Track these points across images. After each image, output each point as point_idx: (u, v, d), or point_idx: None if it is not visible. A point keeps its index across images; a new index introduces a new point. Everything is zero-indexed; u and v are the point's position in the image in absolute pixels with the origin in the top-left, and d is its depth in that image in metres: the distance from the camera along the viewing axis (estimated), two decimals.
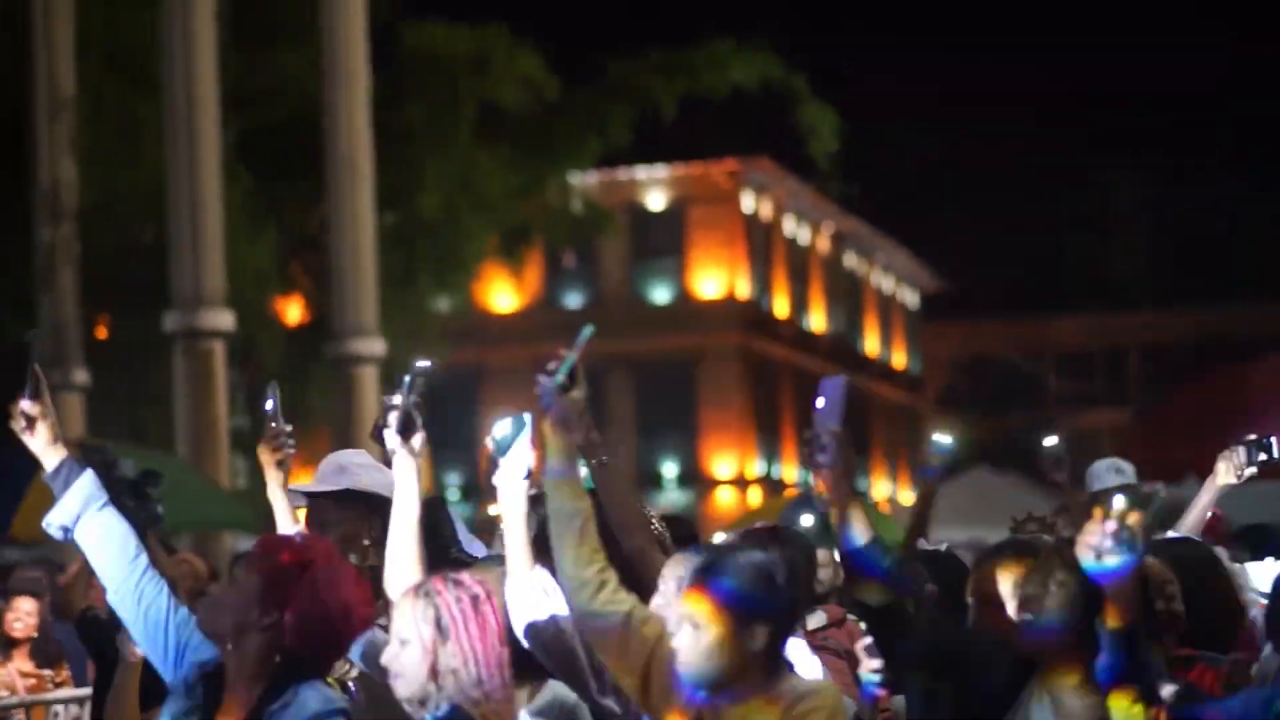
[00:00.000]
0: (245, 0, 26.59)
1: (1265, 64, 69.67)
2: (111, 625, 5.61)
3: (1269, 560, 7.28)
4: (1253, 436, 7.79)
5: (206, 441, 22.95)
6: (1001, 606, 5.30)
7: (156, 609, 5.03)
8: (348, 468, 5.99)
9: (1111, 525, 4.23)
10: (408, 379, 5.20)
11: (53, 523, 5.16)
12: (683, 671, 4.60)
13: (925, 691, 5.15)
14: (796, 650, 5.50)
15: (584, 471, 5.09)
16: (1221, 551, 6.79)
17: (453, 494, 39.81)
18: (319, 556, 4.63)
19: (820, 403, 5.09)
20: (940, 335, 62.81)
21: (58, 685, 10.94)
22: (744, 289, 47.25)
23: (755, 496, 44.39)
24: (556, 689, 5.16)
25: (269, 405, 6.16)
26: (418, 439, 5.17)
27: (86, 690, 10.34)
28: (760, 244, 48.44)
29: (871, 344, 57.87)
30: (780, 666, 4.61)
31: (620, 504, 5.45)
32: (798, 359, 49.51)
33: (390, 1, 28.26)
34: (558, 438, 4.85)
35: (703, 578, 4.62)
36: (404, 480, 5.21)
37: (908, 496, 54.99)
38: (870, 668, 4.78)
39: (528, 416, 5.14)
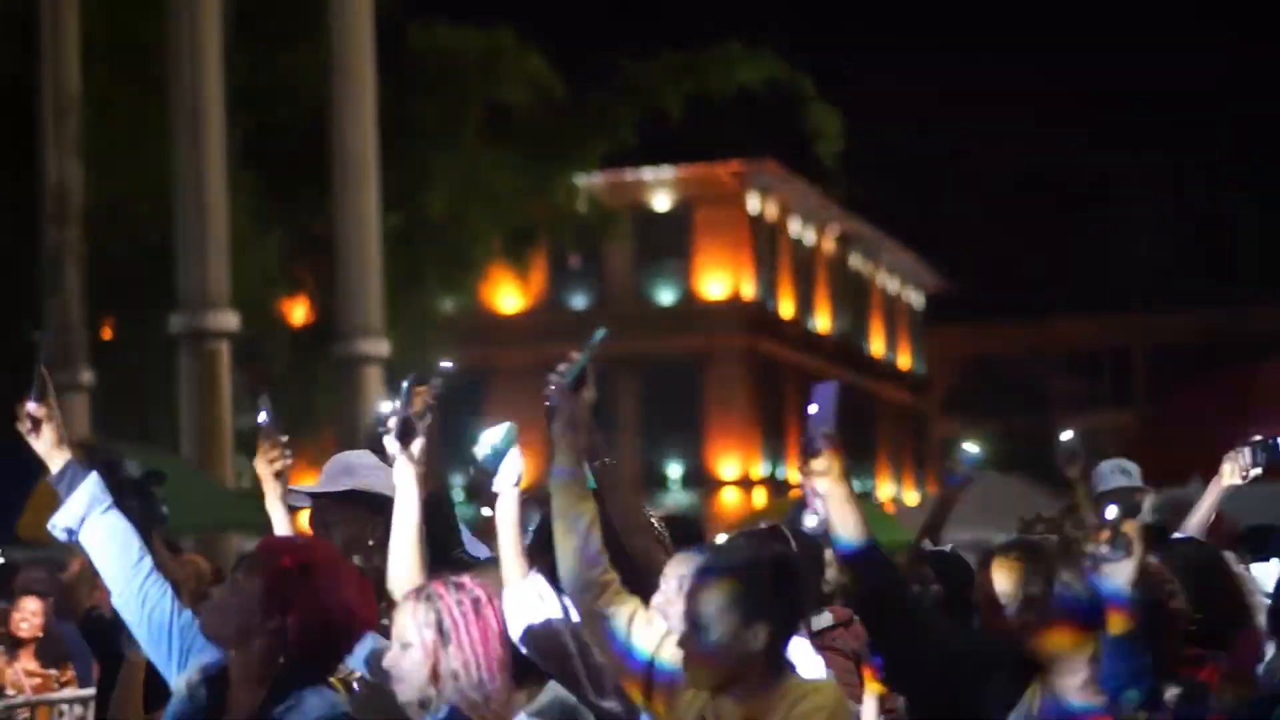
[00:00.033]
0: (251, 1, 26.59)
1: (1266, 64, 69.69)
2: (115, 625, 5.62)
3: (1274, 561, 7.26)
4: (1258, 437, 7.80)
5: (211, 442, 22.96)
6: (1006, 607, 5.29)
7: (160, 612, 5.03)
8: (352, 468, 5.99)
9: (1107, 535, 4.24)
10: (406, 385, 5.20)
11: (57, 525, 5.16)
12: (686, 671, 4.61)
13: (928, 691, 5.14)
14: (800, 651, 5.50)
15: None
16: (1230, 555, 6.77)
17: (457, 494, 39.72)
18: (320, 559, 4.62)
19: (813, 409, 5.09)
20: (945, 336, 62.80)
21: (63, 685, 10.95)
22: (749, 290, 47.25)
23: (760, 497, 44.40)
24: (556, 690, 5.16)
25: (263, 416, 6.13)
26: (417, 445, 5.17)
27: (91, 690, 10.35)
28: (765, 245, 48.44)
29: (877, 345, 57.87)
30: (782, 666, 4.61)
31: (623, 505, 5.46)
32: (803, 360, 49.49)
33: (397, 2, 28.26)
34: (565, 439, 4.84)
35: (705, 577, 4.63)
36: (403, 486, 5.21)
37: (912, 497, 54.98)
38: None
39: (514, 424, 5.16)
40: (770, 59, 31.45)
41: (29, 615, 10.88)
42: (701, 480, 46.20)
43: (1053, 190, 66.29)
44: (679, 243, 47.08)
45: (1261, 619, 6.32)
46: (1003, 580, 5.19)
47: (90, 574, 5.54)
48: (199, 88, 23.23)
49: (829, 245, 53.13)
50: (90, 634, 9.07)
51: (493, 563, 5.63)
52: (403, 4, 28.79)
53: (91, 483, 5.15)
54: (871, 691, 7.07)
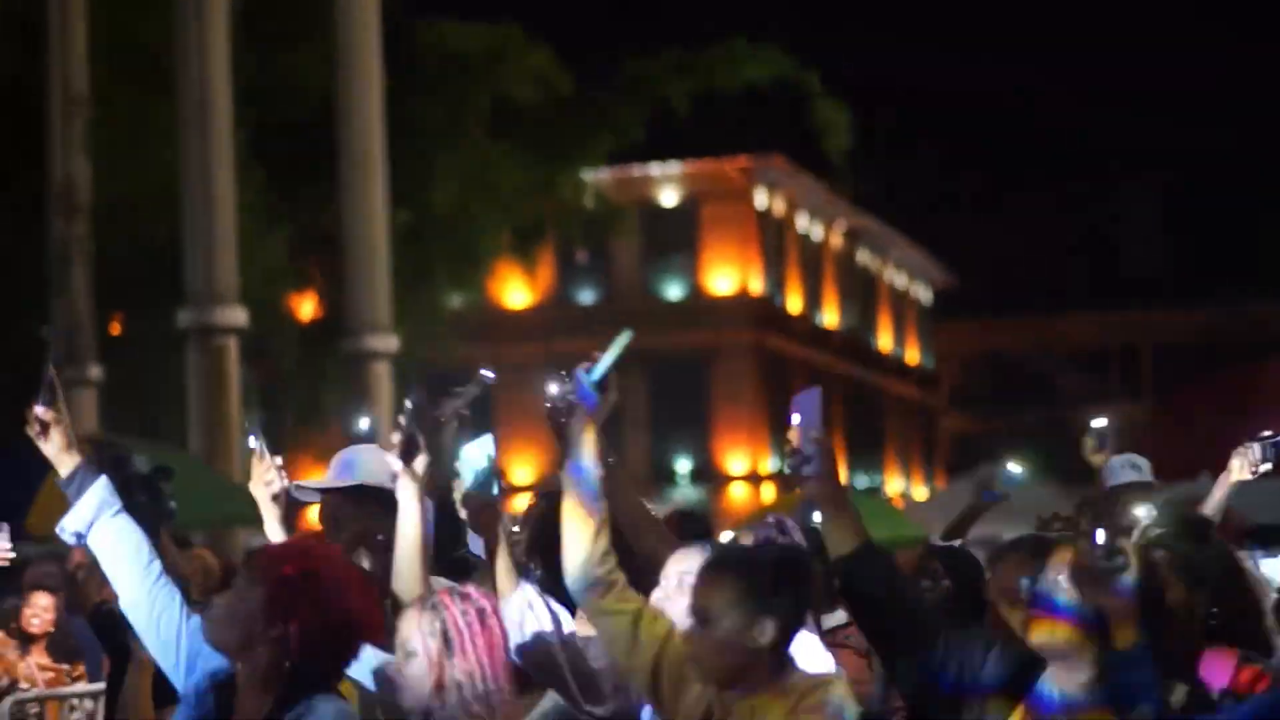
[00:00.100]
0: None
1: (1266, 63, 69.67)
2: (125, 620, 5.62)
3: None
4: (1268, 433, 7.80)
5: (219, 437, 22.98)
6: (1019, 603, 5.28)
7: (168, 617, 5.04)
8: (360, 464, 5.98)
9: (1104, 549, 4.25)
10: (411, 403, 5.20)
11: (67, 529, 5.17)
12: (692, 666, 4.62)
13: (930, 694, 5.13)
14: (809, 647, 5.50)
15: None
16: (1244, 554, 6.76)
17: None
18: (322, 566, 4.60)
19: (796, 419, 5.07)
20: (953, 331, 62.76)
21: (75, 680, 10.96)
22: (757, 285, 47.24)
23: (768, 492, 44.38)
24: (556, 697, 5.19)
25: (253, 441, 6.13)
26: (420, 462, 5.17)
27: (101, 685, 10.35)
28: (773, 241, 48.42)
29: (885, 340, 57.85)
30: (788, 661, 4.62)
31: (630, 504, 5.46)
32: (811, 355, 49.47)
33: None
34: (583, 436, 4.84)
35: (712, 572, 4.64)
36: (406, 502, 5.21)
37: (920, 492, 54.96)
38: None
39: (491, 436, 5.17)
40: (777, 55, 31.45)
41: (40, 611, 10.89)
42: (710, 475, 46.19)
43: (1063, 185, 66.24)
44: (686, 238, 47.06)
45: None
46: (1013, 576, 5.19)
47: (97, 567, 5.55)
48: (206, 85, 23.24)
49: (837, 241, 53.12)
50: (100, 628, 9.06)
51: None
52: (409, 1, 28.79)
53: (100, 486, 5.15)
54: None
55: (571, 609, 5.44)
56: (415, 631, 4.71)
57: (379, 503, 5.77)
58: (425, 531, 5.26)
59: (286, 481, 6.02)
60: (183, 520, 9.11)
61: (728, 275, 46.98)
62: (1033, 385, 63.23)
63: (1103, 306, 63.31)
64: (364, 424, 5.99)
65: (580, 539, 4.81)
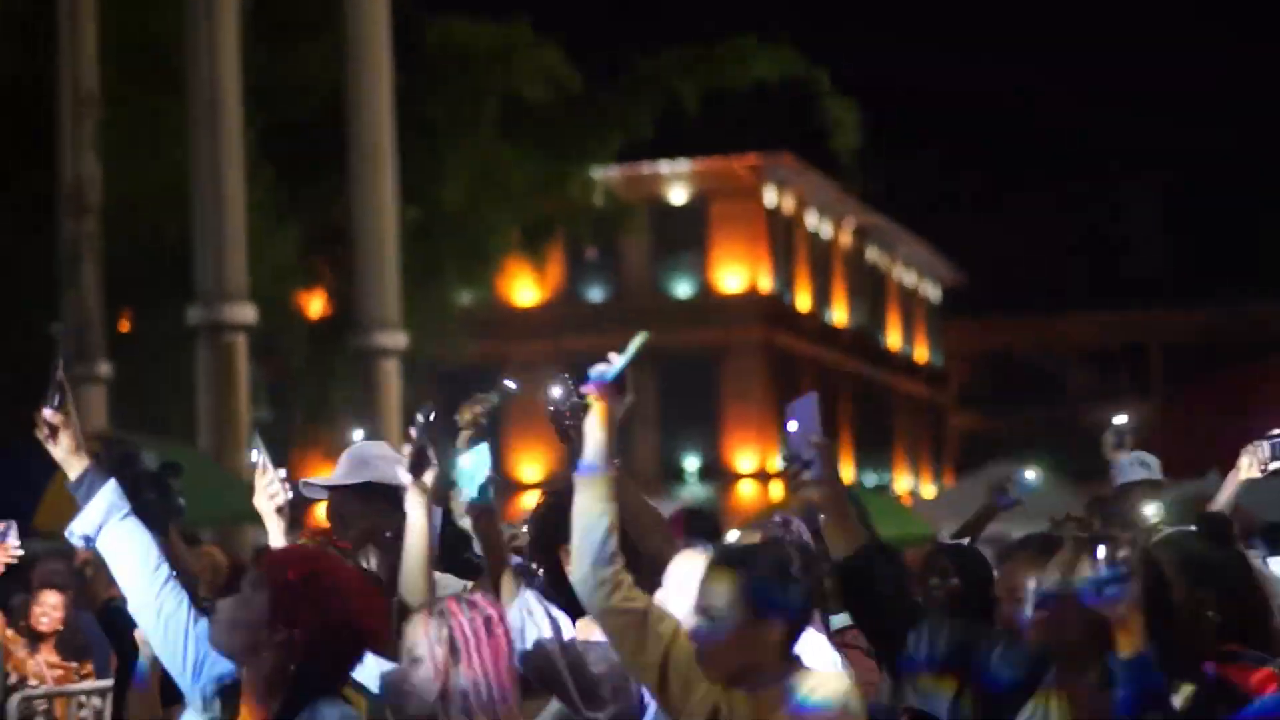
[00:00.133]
0: None
1: (1268, 62, 69.68)
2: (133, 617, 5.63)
3: None
4: (1277, 431, 7.79)
5: (229, 434, 22.99)
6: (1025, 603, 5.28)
7: (176, 622, 5.04)
8: (369, 461, 5.99)
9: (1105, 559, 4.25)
10: (422, 418, 5.19)
11: (75, 532, 5.17)
12: (699, 664, 4.62)
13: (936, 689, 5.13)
14: (817, 647, 5.50)
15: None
16: (1253, 552, 6.75)
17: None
18: (325, 571, 4.59)
19: (793, 425, 5.05)
20: (962, 330, 62.76)
21: (83, 679, 10.97)
22: (766, 283, 47.23)
23: (777, 490, 44.37)
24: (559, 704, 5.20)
25: (255, 456, 6.14)
26: (429, 476, 5.17)
27: (109, 681, 10.37)
28: (782, 238, 48.42)
29: (893, 338, 57.84)
30: (795, 659, 4.63)
31: (634, 505, 5.46)
32: (820, 353, 49.47)
33: None
34: (597, 435, 4.84)
35: (719, 570, 4.64)
36: (414, 513, 5.21)
37: (929, 490, 54.96)
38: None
39: (485, 446, 5.17)
40: (787, 53, 31.43)
41: (49, 609, 10.89)
42: (718, 473, 46.20)
43: (1070, 185, 66.24)
44: (695, 236, 47.06)
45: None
46: (1021, 575, 5.18)
47: (105, 565, 5.56)
48: (216, 83, 23.25)
49: (846, 239, 53.11)
50: (108, 625, 9.09)
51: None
52: None
53: (109, 490, 5.15)
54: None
55: (570, 613, 5.46)
56: (422, 638, 4.72)
57: (387, 499, 5.77)
58: (432, 542, 5.27)
59: (290, 494, 6.04)
60: (191, 517, 9.12)
61: (737, 273, 46.97)
62: (1041, 384, 63.24)
63: (1111, 305, 63.31)
64: (358, 436, 6.00)
65: (590, 539, 4.80)
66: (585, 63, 30.85)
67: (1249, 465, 7.78)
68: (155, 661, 6.25)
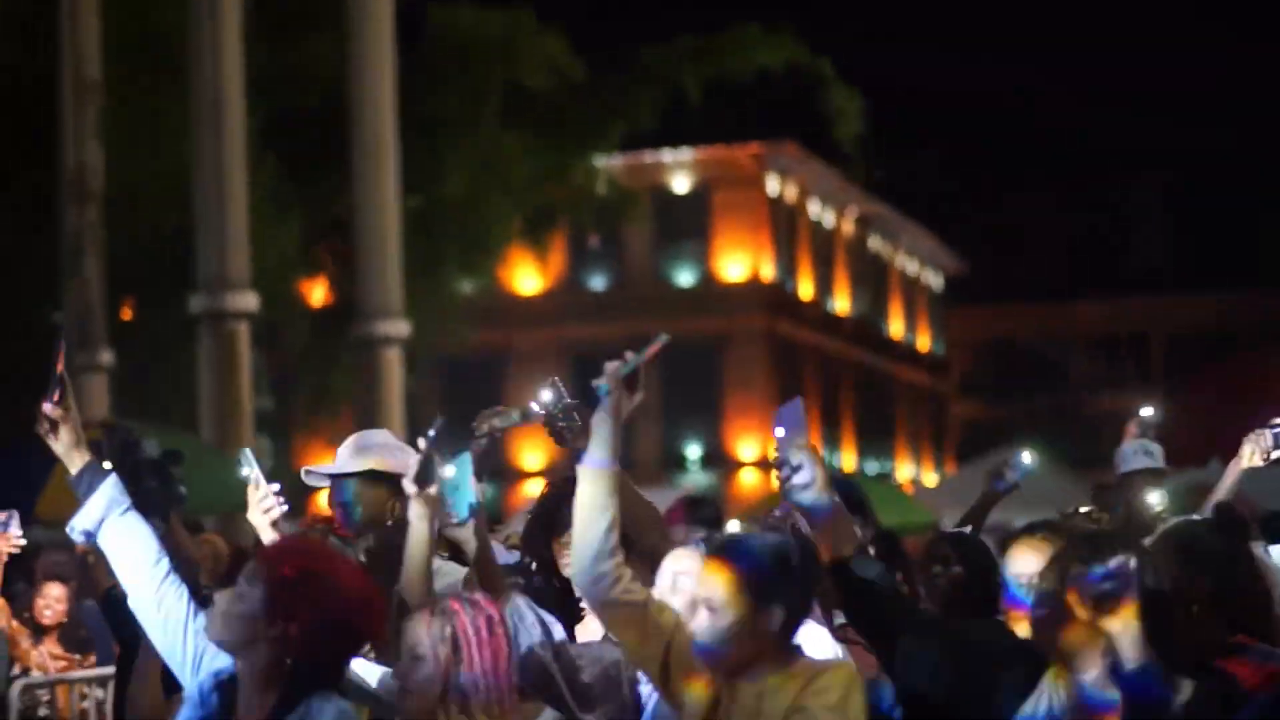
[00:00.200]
0: None
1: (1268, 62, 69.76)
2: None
3: None
4: (1278, 419, 7.78)
5: (231, 423, 23.01)
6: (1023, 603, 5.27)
7: (175, 616, 5.04)
8: (370, 448, 5.97)
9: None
10: (433, 431, 5.19)
11: (76, 527, 5.17)
12: (700, 654, 4.62)
13: (929, 696, 5.12)
14: (820, 641, 5.50)
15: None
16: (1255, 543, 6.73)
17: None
18: (323, 565, 4.59)
19: (780, 431, 5.06)
20: (965, 318, 62.76)
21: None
22: (769, 272, 47.22)
23: (778, 480, 44.34)
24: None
25: (246, 470, 6.16)
26: (435, 489, 5.17)
27: (111, 669, 10.37)
28: (785, 227, 48.40)
29: (896, 327, 57.84)
30: (796, 648, 4.64)
31: (632, 502, 5.46)
32: (822, 342, 49.47)
33: None
34: (604, 429, 4.83)
35: (718, 561, 4.64)
36: (416, 526, 5.20)
37: (930, 478, 54.96)
38: None
39: (467, 456, 5.17)
40: (790, 42, 31.41)
41: (52, 602, 10.90)
42: (721, 461, 46.21)
43: (1074, 173, 66.27)
44: (698, 224, 47.03)
45: None
46: (1024, 563, 5.18)
47: None
48: (219, 72, 23.25)
49: (848, 227, 53.09)
50: (110, 613, 9.07)
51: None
52: None
53: (110, 485, 5.14)
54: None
55: (557, 614, 5.46)
56: (425, 637, 4.71)
57: (390, 486, 5.76)
58: (433, 550, 5.28)
59: (285, 507, 6.05)
60: (193, 505, 9.12)
61: (739, 261, 46.96)
62: (1043, 372, 63.24)
63: (1114, 293, 63.32)
64: (245, 469, 6.04)
65: (592, 532, 4.79)
66: (588, 51, 30.86)
67: (1251, 454, 7.78)
68: (156, 652, 6.24)
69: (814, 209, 50.50)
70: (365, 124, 25.78)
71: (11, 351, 23.21)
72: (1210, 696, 4.56)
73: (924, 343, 60.67)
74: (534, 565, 5.88)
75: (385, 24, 25.86)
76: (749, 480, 45.52)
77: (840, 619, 6.82)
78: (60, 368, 5.11)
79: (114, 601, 8.97)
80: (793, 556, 4.64)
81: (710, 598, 4.59)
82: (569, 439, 5.67)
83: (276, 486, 6.09)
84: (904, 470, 56.14)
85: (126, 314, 27.14)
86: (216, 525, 18.62)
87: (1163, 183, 66.08)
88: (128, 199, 24.78)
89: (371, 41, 25.76)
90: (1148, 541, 5.44)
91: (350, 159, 26.02)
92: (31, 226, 24.92)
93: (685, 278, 47.41)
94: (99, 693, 10.72)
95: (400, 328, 25.89)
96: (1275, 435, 7.77)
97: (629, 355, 4.86)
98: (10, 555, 9.07)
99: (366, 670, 5.08)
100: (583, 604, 6.01)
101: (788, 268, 48.63)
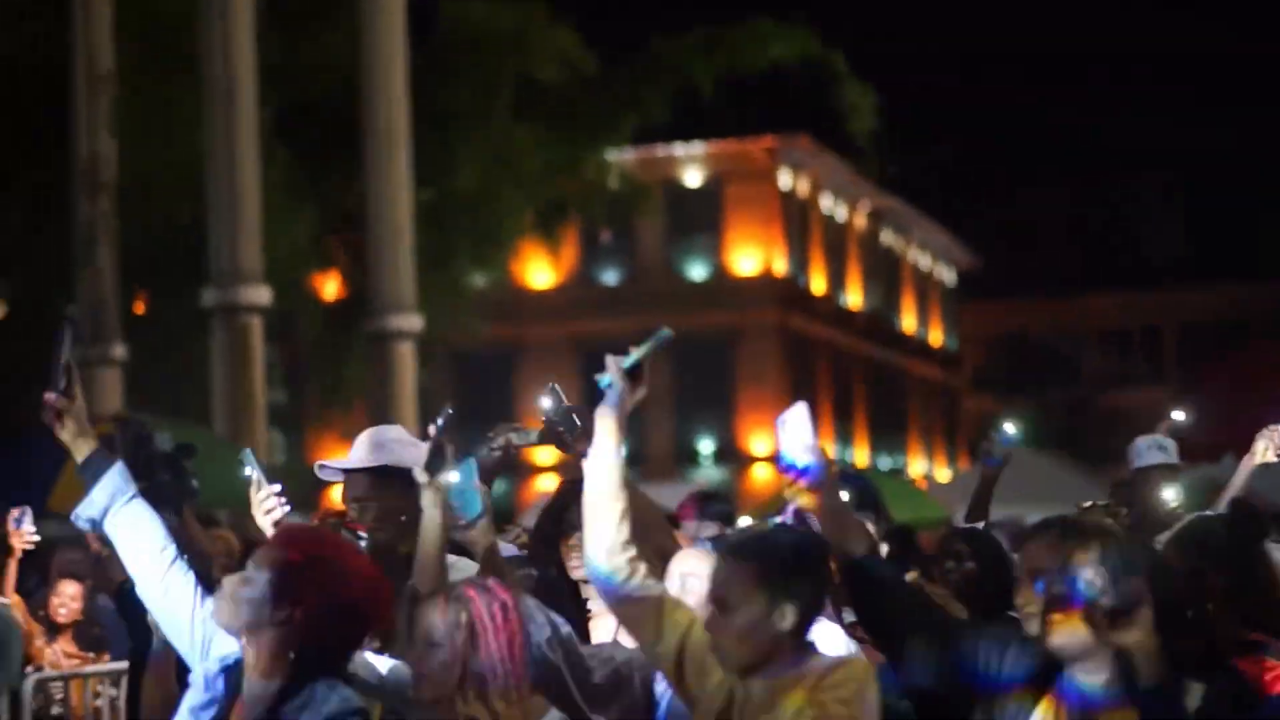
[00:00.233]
0: None
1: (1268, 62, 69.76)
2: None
3: None
4: None
5: (244, 416, 23.01)
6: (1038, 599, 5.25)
7: (183, 603, 5.05)
8: (384, 444, 5.97)
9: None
10: (441, 420, 5.19)
11: (82, 515, 5.16)
12: (715, 653, 4.62)
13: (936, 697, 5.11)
14: (834, 638, 5.50)
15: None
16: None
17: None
18: (330, 551, 4.58)
19: (786, 435, 5.04)
20: (977, 313, 62.73)
21: None
22: (781, 266, 47.20)
23: None
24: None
25: (249, 470, 6.16)
26: (446, 476, 5.16)
27: (125, 664, 10.37)
28: (797, 221, 48.37)
29: (908, 321, 57.80)
30: (809, 645, 4.63)
31: (638, 504, 5.46)
32: (835, 336, 49.44)
33: None
34: (609, 421, 4.83)
35: (731, 559, 4.64)
36: (429, 514, 5.20)
37: (943, 473, 54.93)
38: None
39: (471, 460, 5.18)
40: (804, 35, 31.34)
41: (67, 600, 10.90)
42: (733, 456, 46.20)
43: (1085, 168, 66.20)
44: (710, 218, 47.01)
45: None
46: (1037, 559, 5.16)
47: None
48: (231, 65, 23.25)
49: (861, 221, 53.06)
50: (123, 606, 9.07)
51: (511, 561, 5.68)
52: None
53: (115, 473, 5.14)
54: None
55: (565, 614, 5.46)
56: (440, 623, 4.71)
57: (403, 483, 5.76)
58: (446, 536, 5.27)
59: (287, 509, 6.04)
60: (206, 499, 9.13)
61: (752, 255, 46.93)
62: (1056, 366, 63.21)
63: (1126, 287, 63.27)
64: (248, 469, 6.07)
65: (603, 524, 4.79)
66: (600, 44, 30.81)
67: (1264, 450, 7.77)
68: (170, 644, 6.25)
69: (826, 203, 50.47)
70: (377, 117, 25.78)
71: (24, 344, 23.23)
72: (1221, 697, 4.55)
73: (936, 337, 60.63)
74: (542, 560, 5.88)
75: (397, 17, 25.86)
76: (761, 475, 45.50)
77: (850, 616, 6.83)
78: (65, 357, 5.10)
79: (128, 595, 8.98)
80: (805, 554, 4.64)
81: (723, 595, 4.59)
82: (570, 444, 5.68)
83: (278, 487, 6.08)
84: (917, 465, 56.11)
85: (139, 308, 27.16)
86: (230, 518, 18.64)
87: (1174, 176, 66.05)
88: (140, 189, 24.80)
89: (384, 34, 25.76)
90: (1163, 538, 5.45)
91: (362, 152, 26.01)
92: (44, 217, 24.94)
93: (697, 272, 47.40)
94: (112, 691, 10.73)
95: (413, 322, 25.89)
96: None
97: (633, 349, 4.86)
98: (25, 551, 9.09)
99: (377, 663, 5.07)
100: (591, 606, 6.01)
101: (800, 262, 48.61)
